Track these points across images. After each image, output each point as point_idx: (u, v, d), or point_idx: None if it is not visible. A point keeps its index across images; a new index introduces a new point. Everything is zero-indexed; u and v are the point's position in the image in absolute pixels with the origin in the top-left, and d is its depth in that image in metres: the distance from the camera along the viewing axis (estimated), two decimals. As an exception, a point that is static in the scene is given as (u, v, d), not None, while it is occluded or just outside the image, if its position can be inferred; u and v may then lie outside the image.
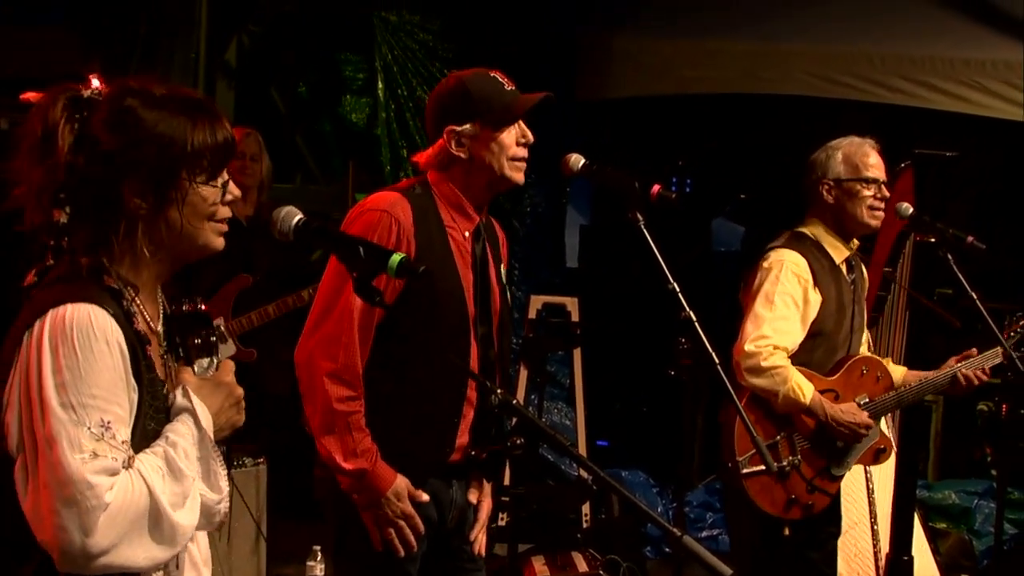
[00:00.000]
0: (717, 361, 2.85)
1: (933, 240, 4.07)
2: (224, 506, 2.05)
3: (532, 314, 6.36)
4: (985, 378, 4.09)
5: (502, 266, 3.18)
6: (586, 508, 6.15)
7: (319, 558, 4.43)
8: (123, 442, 1.89)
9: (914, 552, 4.38)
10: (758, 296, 3.85)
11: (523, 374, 6.31)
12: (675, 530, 2.16)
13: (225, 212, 2.08)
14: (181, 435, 1.98)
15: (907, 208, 4.12)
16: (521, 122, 3.01)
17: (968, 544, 6.25)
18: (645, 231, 2.94)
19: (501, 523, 5.76)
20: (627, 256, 7.23)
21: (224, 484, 2.04)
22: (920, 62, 6.77)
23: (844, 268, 4.00)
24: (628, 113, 7.91)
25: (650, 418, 7.68)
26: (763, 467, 3.64)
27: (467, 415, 3.03)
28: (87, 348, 1.87)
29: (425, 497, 2.98)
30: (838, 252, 3.98)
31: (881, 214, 3.99)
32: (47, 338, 1.87)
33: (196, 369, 2.15)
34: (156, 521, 1.90)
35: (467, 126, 2.97)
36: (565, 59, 7.50)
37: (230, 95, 7.06)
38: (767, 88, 7.09)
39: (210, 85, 6.83)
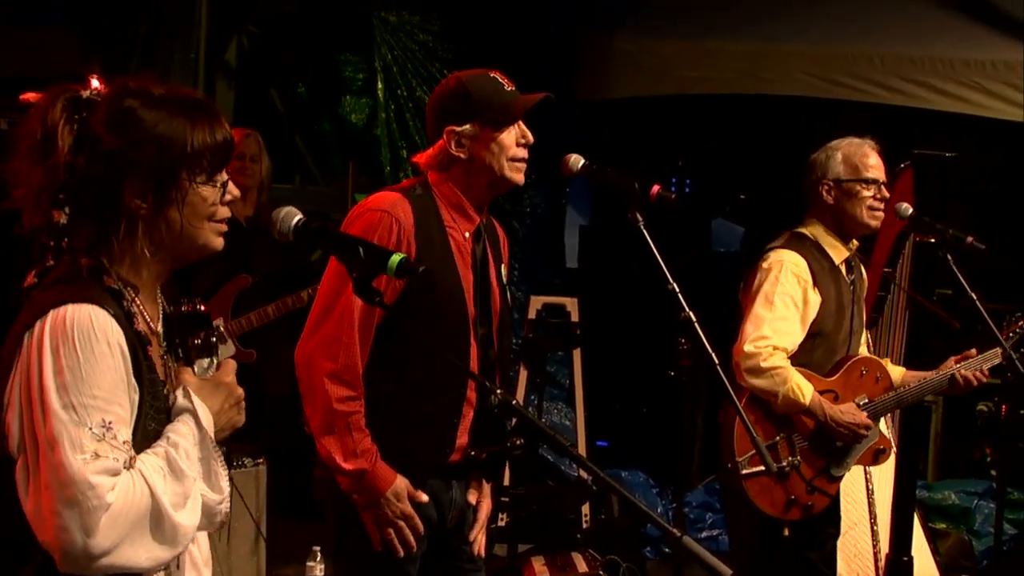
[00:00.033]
0: (717, 361, 2.85)
1: (933, 240, 4.07)
2: (225, 506, 2.05)
3: (532, 314, 6.36)
4: (984, 379, 4.09)
5: (503, 266, 3.18)
6: (586, 508, 6.15)
7: (319, 558, 4.43)
8: (124, 443, 1.89)
9: (914, 552, 4.38)
10: (758, 297, 3.85)
11: (523, 374, 6.30)
12: (675, 531, 2.15)
13: (224, 212, 2.08)
14: (182, 435, 1.98)
15: (907, 209, 4.12)
16: (521, 122, 3.01)
17: (968, 544, 6.25)
18: (645, 231, 2.94)
19: (501, 523, 5.76)
20: (627, 256, 7.23)
21: (225, 484, 2.04)
22: (920, 62, 6.77)
23: (844, 269, 4.00)
24: (628, 113, 7.91)
25: (650, 419, 7.67)
26: (763, 468, 3.64)
27: (467, 415, 3.03)
28: (88, 349, 1.87)
29: (425, 498, 2.98)
30: (838, 253, 3.98)
31: (881, 215, 3.99)
32: (48, 339, 1.87)
33: (196, 370, 2.15)
34: (158, 521, 1.90)
35: (467, 126, 2.97)
36: (565, 59, 7.50)
37: (230, 95, 7.06)
38: (767, 88, 7.09)
39: (210, 85, 6.83)
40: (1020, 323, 4.20)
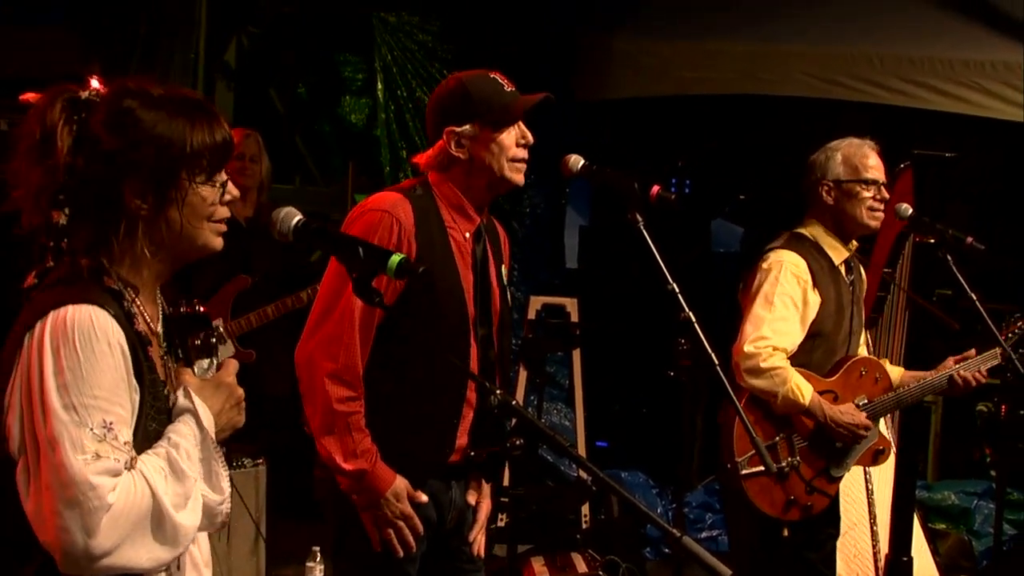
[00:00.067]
0: (716, 362, 2.85)
1: (932, 241, 4.07)
2: (226, 507, 2.05)
3: (531, 315, 6.36)
4: (983, 379, 4.09)
5: (503, 267, 3.18)
6: (585, 509, 6.14)
7: (318, 559, 4.43)
8: (125, 443, 1.89)
9: (913, 553, 4.38)
10: (757, 297, 3.86)
11: (522, 375, 6.30)
12: (674, 531, 2.15)
13: (223, 212, 2.08)
14: (183, 436, 1.99)
15: (906, 209, 4.12)
16: (521, 123, 3.01)
17: (967, 545, 6.25)
18: (644, 232, 2.94)
19: (500, 524, 5.76)
20: (626, 257, 7.23)
21: (226, 485, 2.04)
22: (919, 63, 6.77)
23: (843, 269, 4.01)
24: (628, 114, 7.91)
25: (649, 419, 7.67)
26: (762, 468, 3.64)
27: (467, 416, 3.04)
28: (88, 349, 1.87)
29: (424, 498, 2.98)
30: (837, 253, 3.98)
31: (880, 215, 4.00)
32: (48, 339, 1.87)
33: (196, 370, 2.15)
34: (159, 522, 1.90)
35: (467, 127, 2.97)
36: (565, 59, 7.50)
37: (229, 96, 7.06)
38: (766, 89, 7.08)
39: (209, 86, 6.83)
40: (1019, 323, 4.20)
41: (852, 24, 6.98)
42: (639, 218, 2.95)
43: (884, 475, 4.42)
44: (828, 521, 4.03)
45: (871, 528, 4.37)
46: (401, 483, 2.94)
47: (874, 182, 3.96)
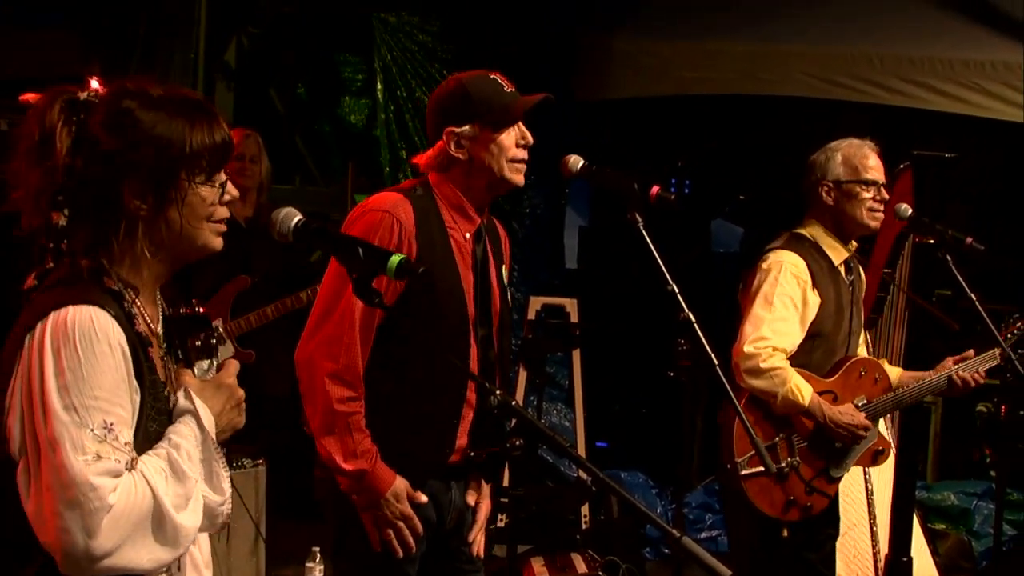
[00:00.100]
0: (716, 362, 2.85)
1: (932, 241, 4.07)
2: (227, 508, 2.05)
3: (531, 315, 6.36)
4: (981, 380, 4.09)
5: (504, 267, 3.18)
6: (585, 509, 6.14)
7: (318, 559, 4.43)
8: (126, 444, 1.89)
9: (913, 553, 4.38)
10: (757, 297, 3.86)
11: (522, 375, 6.30)
12: (674, 531, 2.15)
13: (223, 212, 2.08)
14: (184, 437, 1.99)
15: (906, 209, 4.12)
16: (521, 123, 3.01)
17: (967, 545, 6.26)
18: (644, 232, 2.94)
19: (500, 524, 5.76)
20: (626, 257, 7.23)
21: (227, 486, 2.04)
22: (919, 63, 6.77)
23: (843, 269, 4.01)
24: (627, 114, 7.90)
25: (649, 419, 7.67)
26: (762, 468, 3.64)
27: (466, 416, 3.04)
28: (89, 350, 1.87)
29: (424, 499, 2.98)
30: (837, 253, 3.98)
31: (880, 215, 4.00)
32: (49, 340, 1.87)
33: (196, 371, 2.15)
34: (159, 523, 1.90)
35: (466, 127, 2.97)
36: (565, 59, 7.50)
37: (229, 96, 7.06)
38: (766, 89, 7.08)
39: (209, 86, 6.83)
40: (1018, 324, 4.20)
41: (852, 24, 6.98)
42: (639, 218, 2.95)
43: (884, 475, 4.41)
44: (827, 521, 4.03)
45: (871, 528, 4.37)
46: (401, 483, 2.94)
47: (874, 183, 3.96)
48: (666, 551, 6.19)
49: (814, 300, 3.88)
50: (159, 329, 2.08)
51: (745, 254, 7.75)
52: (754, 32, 7.10)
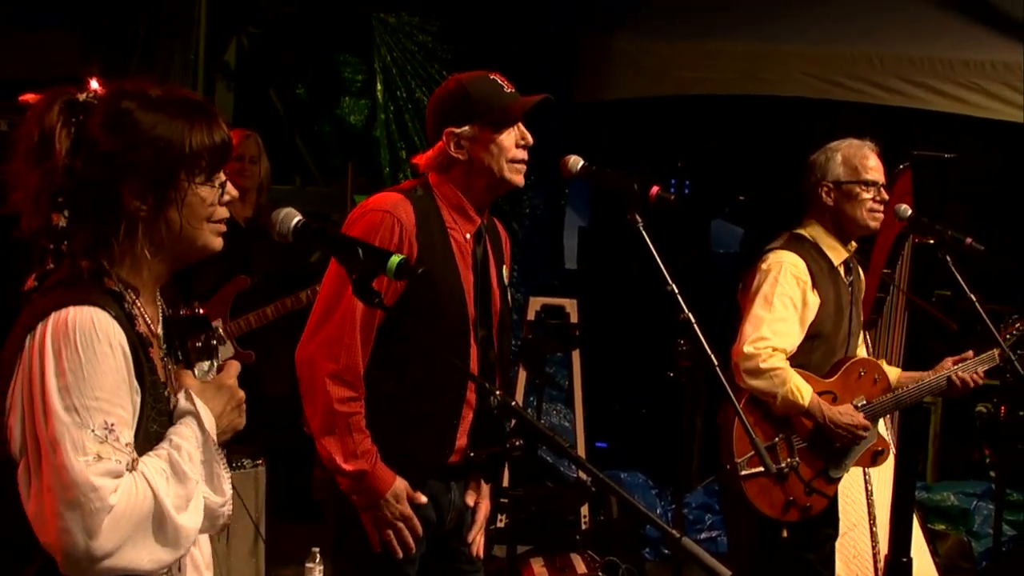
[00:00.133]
0: (716, 363, 2.85)
1: (932, 242, 4.08)
2: (227, 509, 2.05)
3: (531, 316, 6.35)
4: (980, 381, 4.09)
5: (504, 267, 3.18)
6: (585, 510, 6.14)
7: (318, 559, 4.43)
8: (127, 444, 1.89)
9: (913, 553, 4.38)
10: (757, 298, 3.86)
11: (522, 376, 6.30)
12: (674, 532, 2.15)
13: (223, 212, 2.08)
14: (185, 438, 1.99)
15: (906, 210, 4.12)
16: (520, 124, 3.01)
17: (967, 545, 6.26)
18: (644, 232, 2.94)
19: (500, 525, 5.76)
20: (626, 258, 7.23)
21: (227, 487, 2.04)
22: (919, 63, 6.77)
23: (842, 270, 4.01)
24: (627, 114, 7.90)
25: (649, 420, 7.67)
26: (762, 469, 3.64)
27: (466, 417, 3.04)
28: (90, 350, 1.87)
29: (424, 499, 2.98)
30: (836, 254, 3.98)
31: (880, 216, 4.00)
32: (50, 341, 1.87)
33: (196, 372, 2.15)
34: (160, 524, 1.90)
35: (466, 128, 2.97)
36: (565, 60, 7.50)
37: (229, 96, 7.07)
38: (766, 89, 7.08)
39: (209, 86, 6.83)
40: (1017, 325, 4.20)
41: (852, 24, 6.98)
42: (638, 219, 2.95)
43: (883, 476, 4.41)
44: (827, 522, 4.03)
45: (870, 529, 4.36)
46: (401, 484, 2.94)
47: (874, 183, 3.96)
48: (666, 551, 6.19)
49: (814, 300, 3.88)
50: (159, 330, 2.08)
51: (745, 254, 7.75)
52: (754, 32, 7.10)
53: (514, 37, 7.11)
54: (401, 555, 2.96)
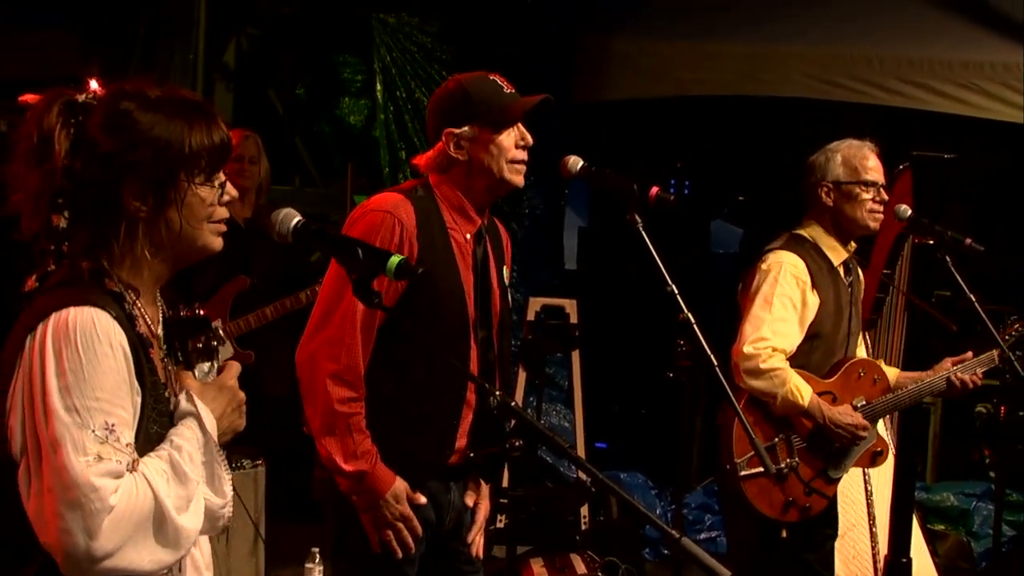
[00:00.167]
0: (716, 363, 2.85)
1: (931, 242, 4.08)
2: (228, 511, 2.05)
3: (530, 316, 6.35)
4: (979, 382, 4.09)
5: (505, 268, 3.18)
6: (585, 510, 6.14)
7: (317, 560, 4.42)
8: (127, 445, 1.89)
9: (912, 554, 4.38)
10: (756, 298, 3.86)
11: (521, 376, 6.30)
12: (673, 532, 2.15)
13: (223, 213, 2.08)
14: (186, 439, 1.99)
15: (905, 210, 4.12)
16: (520, 124, 3.01)
17: (966, 546, 6.26)
18: (643, 233, 2.94)
19: (500, 525, 5.76)
20: (625, 258, 7.23)
21: (228, 489, 2.04)
22: (919, 64, 6.77)
23: (842, 270, 4.01)
24: (627, 115, 7.91)
25: (649, 420, 7.67)
26: (761, 469, 3.64)
27: (466, 417, 3.04)
28: (90, 351, 1.87)
29: (423, 500, 2.99)
30: (836, 254, 3.98)
31: (880, 216, 4.00)
32: (50, 341, 1.87)
33: (196, 374, 2.15)
34: (160, 524, 1.90)
35: (465, 128, 2.97)
36: (565, 60, 7.50)
37: (228, 97, 7.07)
38: (766, 90, 7.08)
39: (208, 86, 6.84)
40: (1017, 325, 4.19)
41: (852, 25, 6.98)
42: (638, 219, 2.95)
43: (883, 476, 4.41)
44: (826, 522, 4.03)
45: (870, 529, 4.36)
46: (401, 485, 2.94)
47: (873, 183, 3.96)
48: (665, 552, 6.19)
49: (813, 301, 3.88)
50: (160, 331, 2.08)
51: (744, 255, 7.75)
52: (754, 33, 7.10)
53: (514, 37, 7.11)
54: (400, 555, 2.96)
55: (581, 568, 5.49)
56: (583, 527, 6.13)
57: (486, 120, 2.96)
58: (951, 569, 5.92)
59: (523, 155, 3.01)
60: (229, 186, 2.09)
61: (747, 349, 3.78)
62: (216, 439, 2.04)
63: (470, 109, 2.97)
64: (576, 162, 3.09)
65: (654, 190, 3.03)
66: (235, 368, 2.15)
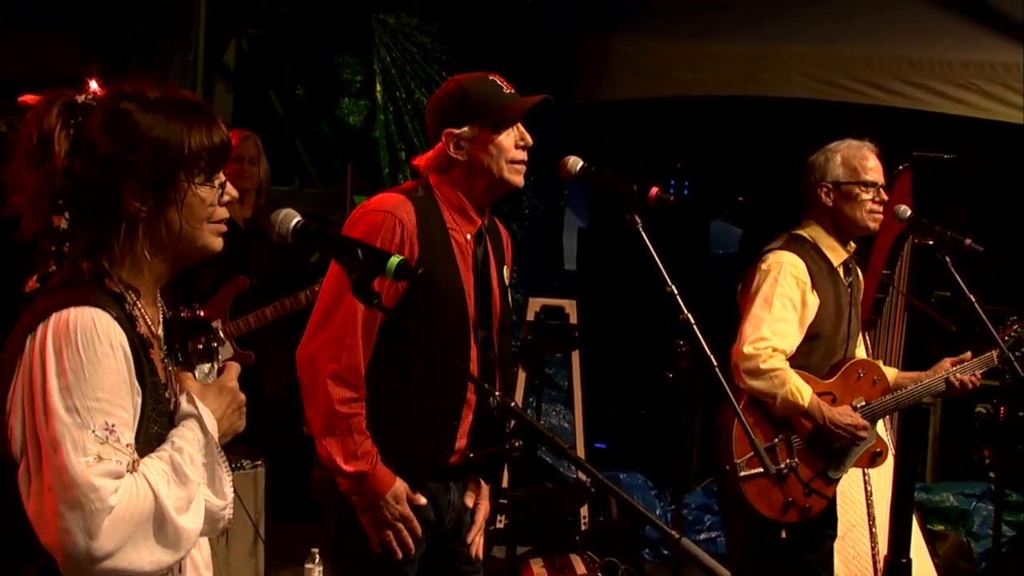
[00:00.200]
0: (715, 363, 2.85)
1: (931, 242, 4.08)
2: (228, 512, 2.05)
3: (530, 316, 6.35)
4: (977, 383, 4.09)
5: (505, 268, 3.18)
6: (584, 510, 6.14)
7: (317, 560, 4.43)
8: (127, 445, 1.89)
9: (912, 554, 4.38)
10: (756, 298, 3.85)
11: (521, 376, 6.30)
12: (673, 532, 2.15)
13: (223, 213, 2.08)
14: (187, 440, 1.99)
15: (905, 211, 4.12)
16: (520, 125, 3.01)
17: (966, 546, 6.25)
18: (643, 233, 2.94)
19: (499, 525, 5.76)
20: (625, 259, 7.23)
21: (229, 490, 2.04)
22: (919, 64, 6.77)
23: (841, 271, 4.01)
24: (627, 115, 7.91)
25: (648, 420, 7.67)
26: (761, 470, 3.64)
27: (466, 417, 3.04)
28: (91, 351, 1.87)
29: (423, 501, 2.99)
30: (836, 255, 3.98)
31: (880, 217, 4.00)
32: (51, 341, 1.87)
33: (197, 375, 2.15)
34: (161, 525, 1.90)
35: (465, 129, 2.97)
36: (564, 60, 7.50)
37: (228, 97, 7.07)
38: (766, 90, 7.08)
39: (208, 87, 6.83)
40: (1016, 326, 4.19)
41: (852, 25, 6.98)
42: (638, 220, 2.95)
43: (883, 476, 4.41)
44: (825, 522, 4.03)
45: (870, 530, 4.36)
46: (401, 485, 2.94)
47: (873, 184, 3.96)
48: (665, 552, 6.19)
49: (813, 301, 3.88)
50: (160, 331, 2.08)
51: (744, 255, 7.75)
52: (754, 33, 7.10)
53: (514, 37, 7.11)
54: (400, 556, 2.96)
55: (581, 568, 5.49)
56: (583, 527, 6.13)
57: (486, 120, 2.96)
58: (951, 569, 5.92)
59: (523, 155, 3.01)
60: (229, 186, 2.09)
61: (747, 349, 3.78)
62: (217, 440, 2.04)
63: (470, 109, 2.97)
64: (576, 162, 3.09)
65: (654, 190, 3.03)
66: (235, 369, 2.16)
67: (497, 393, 2.43)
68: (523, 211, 7.29)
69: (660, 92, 7.34)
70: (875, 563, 4.36)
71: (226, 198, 2.08)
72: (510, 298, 3.23)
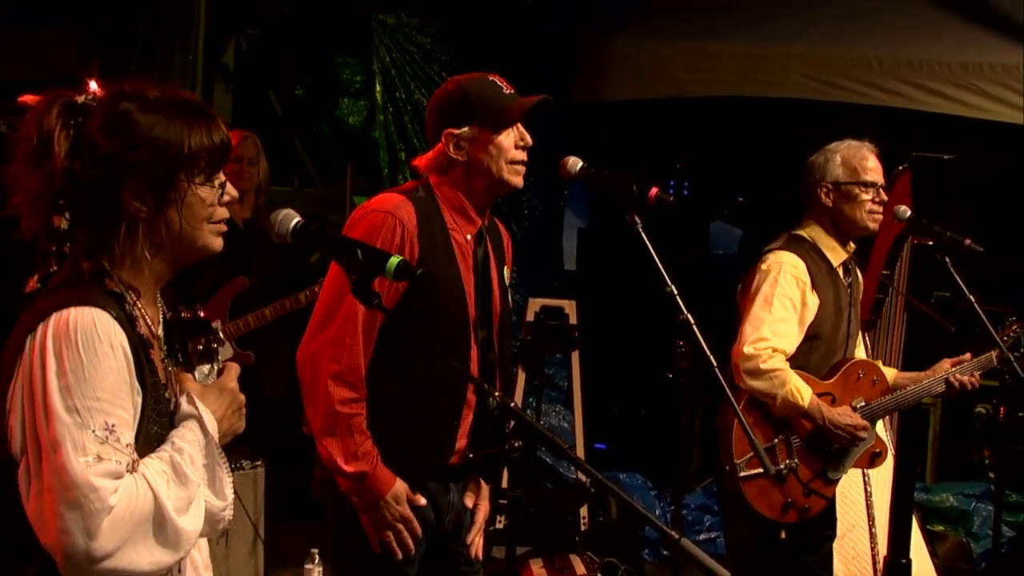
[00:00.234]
0: (715, 364, 2.85)
1: (931, 243, 4.08)
2: (228, 513, 2.05)
3: (530, 317, 6.35)
4: (977, 384, 4.09)
5: (505, 268, 3.18)
6: (584, 511, 6.14)
7: (316, 560, 4.43)
8: (127, 445, 1.89)
9: (912, 555, 4.38)
10: (756, 298, 3.85)
11: (521, 377, 6.30)
12: (673, 533, 2.15)
13: (223, 213, 2.09)
14: (187, 441, 1.99)
15: (905, 211, 4.12)
16: (520, 125, 3.01)
17: (966, 547, 6.25)
18: (643, 234, 2.94)
19: (499, 526, 5.76)
20: (625, 259, 7.23)
21: (229, 491, 2.04)
22: (918, 65, 6.77)
23: (841, 271, 4.01)
24: (626, 116, 7.91)
25: (648, 421, 7.67)
26: (761, 470, 3.63)
27: (466, 418, 3.04)
28: (91, 351, 1.87)
29: (423, 501, 2.99)
30: (836, 255, 3.98)
31: (879, 217, 4.00)
32: (51, 341, 1.87)
33: (196, 375, 2.15)
34: (160, 525, 1.90)
35: (465, 129, 2.97)
36: (564, 61, 7.50)
37: (228, 97, 7.07)
38: (765, 91, 7.08)
39: (208, 87, 6.84)
40: (1016, 326, 4.19)
41: (852, 25, 6.98)
42: (637, 220, 2.95)
43: (883, 477, 4.41)
44: (825, 523, 4.03)
45: (870, 530, 4.36)
46: (401, 486, 2.94)
47: (873, 184, 3.96)
48: (665, 553, 6.19)
49: (813, 301, 3.88)
50: (160, 331, 2.08)
51: (744, 256, 7.75)
52: (753, 33, 7.10)
53: (514, 38, 7.11)
54: (400, 556, 2.96)
55: (580, 569, 5.50)
56: (582, 528, 6.13)
57: (485, 121, 2.96)
58: (950, 570, 5.92)
59: (522, 155, 3.01)
60: (229, 186, 2.09)
61: (747, 349, 3.78)
62: (217, 441, 2.04)
63: (469, 110, 2.97)
64: (575, 163, 3.09)
65: (653, 191, 3.03)
66: (235, 370, 2.16)
67: (497, 393, 2.43)
68: (523, 211, 7.28)
69: (660, 92, 7.34)
70: (875, 563, 4.36)
71: (226, 198, 2.08)
72: (510, 298, 3.23)
